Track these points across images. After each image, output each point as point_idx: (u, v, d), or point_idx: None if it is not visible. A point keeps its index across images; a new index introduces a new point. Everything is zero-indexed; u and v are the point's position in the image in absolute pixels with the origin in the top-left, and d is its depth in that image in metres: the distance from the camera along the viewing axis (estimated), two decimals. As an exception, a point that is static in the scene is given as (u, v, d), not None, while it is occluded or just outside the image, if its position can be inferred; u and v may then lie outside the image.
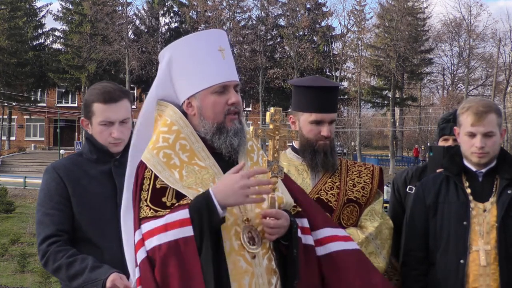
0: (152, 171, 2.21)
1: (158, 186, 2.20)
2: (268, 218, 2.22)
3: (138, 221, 2.16)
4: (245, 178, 2.11)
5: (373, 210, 2.97)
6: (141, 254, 2.11)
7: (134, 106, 51.16)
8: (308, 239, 2.38)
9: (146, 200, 2.18)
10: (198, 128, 2.32)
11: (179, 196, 2.18)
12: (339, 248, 2.39)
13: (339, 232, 2.48)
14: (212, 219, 2.09)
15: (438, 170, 3.21)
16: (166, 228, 2.08)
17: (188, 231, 2.06)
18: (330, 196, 2.92)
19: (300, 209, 2.44)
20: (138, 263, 2.10)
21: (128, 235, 2.31)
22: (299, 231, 2.33)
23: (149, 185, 2.20)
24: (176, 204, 2.15)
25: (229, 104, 2.30)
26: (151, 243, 2.09)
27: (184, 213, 2.09)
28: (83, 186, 2.74)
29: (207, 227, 2.08)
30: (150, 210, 2.16)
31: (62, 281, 2.71)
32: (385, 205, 3.56)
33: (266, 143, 2.32)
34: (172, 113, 2.33)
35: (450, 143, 3.44)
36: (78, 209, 2.71)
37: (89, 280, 2.51)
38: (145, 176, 2.22)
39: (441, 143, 3.51)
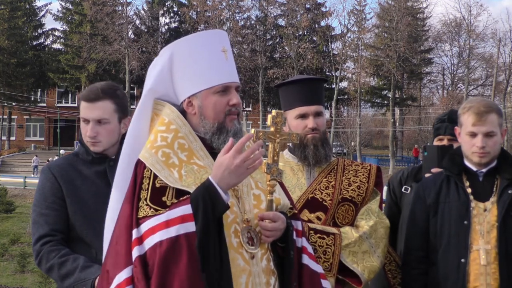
0: (151, 170, 2.19)
1: (157, 185, 2.17)
2: (265, 220, 2.21)
3: (136, 220, 2.12)
4: (237, 155, 2.07)
5: (369, 209, 2.94)
6: (135, 253, 2.07)
7: (133, 106, 51.45)
8: (299, 242, 2.37)
9: (146, 199, 2.15)
10: (197, 128, 2.30)
11: (179, 195, 2.15)
12: (307, 262, 2.35)
13: (309, 246, 2.45)
14: (217, 206, 2.06)
15: (433, 170, 3.21)
16: (167, 224, 2.05)
17: (190, 226, 2.04)
18: (324, 195, 2.91)
19: (296, 211, 2.43)
20: (133, 261, 2.06)
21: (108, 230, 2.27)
22: (294, 233, 2.32)
23: (148, 184, 2.18)
24: (176, 202, 2.12)
25: (230, 105, 2.29)
26: (152, 239, 2.06)
27: (185, 209, 2.07)
28: (77, 186, 2.74)
29: (212, 215, 2.05)
30: (150, 209, 2.13)
31: (55, 281, 2.71)
32: (384, 205, 3.54)
33: (267, 143, 2.30)
34: (170, 111, 2.31)
35: (445, 142, 3.44)
36: (72, 209, 2.71)
37: (79, 279, 2.52)
38: (144, 175, 2.19)
39: (436, 142, 3.52)
